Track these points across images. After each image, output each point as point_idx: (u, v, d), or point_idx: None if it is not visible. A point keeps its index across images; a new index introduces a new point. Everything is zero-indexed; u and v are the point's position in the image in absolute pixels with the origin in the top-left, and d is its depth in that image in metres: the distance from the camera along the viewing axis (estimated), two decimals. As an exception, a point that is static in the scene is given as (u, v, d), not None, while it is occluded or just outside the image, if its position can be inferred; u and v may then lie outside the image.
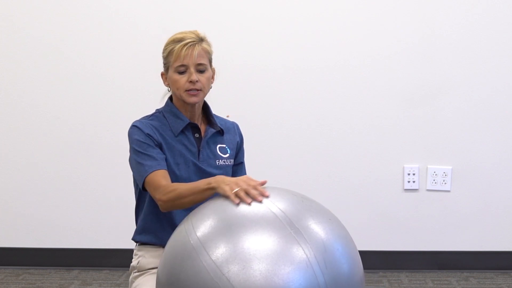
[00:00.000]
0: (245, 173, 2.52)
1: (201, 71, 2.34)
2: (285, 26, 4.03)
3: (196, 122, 2.41)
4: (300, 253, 1.80)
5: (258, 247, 1.80)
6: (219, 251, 1.81)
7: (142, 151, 2.30)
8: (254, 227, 1.84)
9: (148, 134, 2.32)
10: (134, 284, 2.41)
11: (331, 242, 1.86)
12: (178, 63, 2.32)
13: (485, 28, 3.99)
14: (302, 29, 4.03)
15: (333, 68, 4.04)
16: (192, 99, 2.34)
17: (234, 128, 2.51)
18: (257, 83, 4.06)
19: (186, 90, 2.32)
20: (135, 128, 2.35)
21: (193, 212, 2.03)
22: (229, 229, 1.85)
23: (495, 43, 4.00)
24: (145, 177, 2.26)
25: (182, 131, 2.38)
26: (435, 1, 3.99)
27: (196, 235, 1.88)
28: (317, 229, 1.87)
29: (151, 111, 2.47)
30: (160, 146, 2.34)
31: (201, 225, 1.90)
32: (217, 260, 1.80)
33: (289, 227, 1.84)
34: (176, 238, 1.96)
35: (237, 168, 2.51)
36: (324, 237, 1.86)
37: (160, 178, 2.24)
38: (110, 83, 4.08)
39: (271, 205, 1.90)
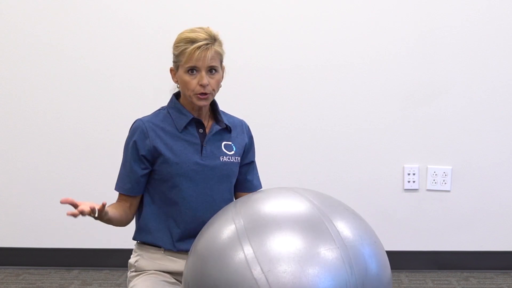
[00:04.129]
0: (256, 172, 2.52)
1: (211, 73, 2.33)
2: (285, 26, 4.03)
3: (202, 118, 2.40)
4: (330, 254, 1.82)
5: (288, 248, 1.83)
6: (262, 248, 1.84)
7: (123, 159, 2.42)
8: (294, 228, 1.88)
9: (135, 141, 2.36)
10: (131, 284, 2.41)
11: (361, 244, 1.89)
12: (189, 64, 2.30)
13: (485, 28, 4.00)
14: (301, 29, 4.03)
15: (333, 67, 4.04)
16: (201, 103, 2.34)
17: (242, 126, 2.49)
18: (257, 83, 4.06)
19: (196, 94, 2.32)
20: (132, 128, 2.40)
21: (242, 199, 2.09)
22: (271, 226, 1.88)
23: (495, 43, 4.01)
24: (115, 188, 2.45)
25: (186, 127, 2.38)
26: (435, 1, 3.99)
27: (242, 223, 1.92)
28: (347, 230, 1.90)
29: (151, 110, 2.47)
30: (150, 150, 2.35)
31: (247, 215, 1.95)
32: (260, 256, 1.83)
33: (323, 227, 1.87)
34: (221, 222, 2.00)
35: (248, 168, 2.49)
36: (354, 238, 1.89)
37: (117, 200, 2.44)
38: (110, 83, 4.08)
39: (316, 211, 1.94)
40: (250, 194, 2.13)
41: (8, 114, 4.12)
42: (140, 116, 2.48)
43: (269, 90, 4.06)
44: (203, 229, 2.07)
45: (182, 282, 2.04)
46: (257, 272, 1.80)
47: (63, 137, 4.11)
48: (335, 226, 1.89)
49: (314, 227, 1.87)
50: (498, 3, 3.98)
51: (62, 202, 2.17)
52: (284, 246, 1.83)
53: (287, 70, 4.05)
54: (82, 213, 2.14)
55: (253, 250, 1.83)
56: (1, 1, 4.06)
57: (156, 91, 3.98)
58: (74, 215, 2.14)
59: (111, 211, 2.31)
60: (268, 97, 4.07)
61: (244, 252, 1.83)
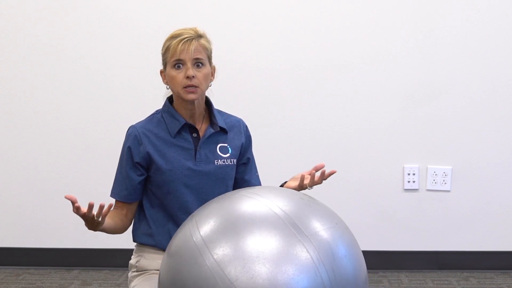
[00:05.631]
0: (255, 171, 2.51)
1: (198, 66, 2.31)
2: (285, 26, 4.03)
3: (195, 121, 2.39)
4: (304, 254, 1.80)
5: (262, 248, 1.79)
6: (222, 251, 1.80)
7: (119, 166, 2.42)
8: (257, 228, 1.84)
9: (129, 147, 2.36)
10: (132, 284, 2.41)
11: (335, 243, 1.86)
12: (174, 58, 2.31)
13: (485, 28, 4.00)
14: (302, 29, 4.03)
15: (333, 67, 4.04)
16: (190, 96, 2.32)
17: (240, 126, 2.47)
18: (256, 83, 4.06)
19: (183, 87, 2.31)
20: (126, 135, 2.40)
21: (197, 211, 2.02)
22: (233, 229, 1.84)
23: (495, 43, 4.01)
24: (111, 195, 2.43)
25: (179, 132, 2.37)
26: (435, 1, 3.99)
27: (200, 235, 1.87)
28: (321, 230, 1.86)
29: (151, 110, 2.47)
30: (145, 157, 2.35)
31: (205, 225, 1.89)
32: (220, 260, 1.79)
33: (293, 228, 1.83)
34: (180, 237, 1.96)
35: (245, 168, 2.47)
36: (329, 238, 1.85)
37: (114, 207, 2.39)
38: (110, 83, 4.08)
39: (275, 207, 1.89)
40: (207, 203, 2.06)
41: (8, 114, 4.12)
42: (139, 116, 2.48)
43: (269, 90, 4.06)
44: (170, 240, 2.03)
45: (158, 278, 2.01)
46: (222, 280, 1.76)
47: (63, 137, 4.11)
48: (293, 220, 1.85)
49: (272, 226, 1.84)
50: (498, 3, 3.98)
51: (66, 197, 2.15)
52: (246, 249, 1.79)
53: (287, 70, 4.05)
54: (78, 209, 2.15)
55: (214, 260, 1.79)
56: (1, 1, 4.06)
57: (156, 91, 3.97)
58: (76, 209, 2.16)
59: (106, 222, 2.27)
60: (268, 97, 4.07)
61: (206, 262, 1.80)
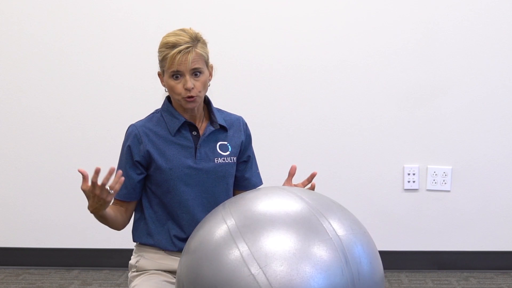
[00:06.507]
0: (255, 169, 2.52)
1: (196, 75, 2.32)
2: (285, 26, 4.03)
3: (195, 119, 2.40)
4: (334, 252, 1.86)
5: (294, 240, 1.85)
6: (255, 239, 1.85)
7: (119, 165, 2.40)
8: (292, 220, 1.90)
9: (129, 146, 2.36)
10: (132, 284, 2.41)
11: (363, 248, 1.93)
12: (172, 69, 2.30)
13: (485, 27, 4.00)
14: (301, 28, 4.03)
15: (333, 67, 4.04)
16: (189, 105, 2.33)
17: (240, 124, 2.48)
18: (256, 82, 4.06)
19: (183, 97, 2.32)
20: (126, 134, 2.40)
21: (229, 200, 2.07)
22: (268, 219, 1.90)
23: (495, 43, 4.01)
24: None
25: (179, 130, 2.38)
26: (435, 1, 3.99)
27: (234, 220, 1.92)
28: (351, 234, 1.94)
29: (151, 110, 2.47)
30: (145, 156, 2.35)
31: (238, 212, 1.95)
32: (252, 247, 1.84)
33: (325, 226, 1.90)
34: (211, 223, 2.00)
35: (245, 166, 2.48)
36: (358, 242, 1.93)
37: (113, 204, 2.37)
38: (110, 83, 4.08)
39: (310, 204, 1.96)
40: (240, 194, 2.12)
41: (8, 114, 4.12)
42: (139, 116, 2.48)
43: (269, 90, 4.06)
44: (194, 230, 2.06)
45: (176, 282, 2.03)
46: (254, 268, 1.81)
47: (63, 137, 4.11)
48: (326, 219, 1.92)
49: (306, 221, 1.90)
50: (498, 3, 3.98)
51: (79, 171, 2.21)
52: (279, 242, 1.85)
53: (287, 70, 4.05)
54: (85, 184, 2.19)
55: (248, 247, 1.84)
56: (1, 1, 4.06)
57: (156, 91, 3.97)
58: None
59: (107, 210, 2.27)
60: (269, 97, 4.07)
61: (239, 249, 1.84)
